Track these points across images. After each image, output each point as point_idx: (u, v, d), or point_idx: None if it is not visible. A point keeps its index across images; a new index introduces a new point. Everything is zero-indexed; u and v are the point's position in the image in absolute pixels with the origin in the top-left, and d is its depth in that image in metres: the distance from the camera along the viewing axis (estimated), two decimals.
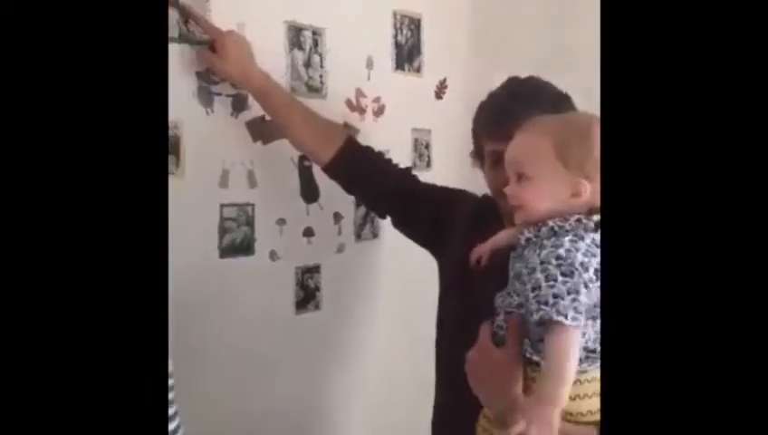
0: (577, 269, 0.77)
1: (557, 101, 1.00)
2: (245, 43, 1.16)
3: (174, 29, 1.11)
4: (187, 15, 1.12)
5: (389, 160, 1.24)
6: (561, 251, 0.79)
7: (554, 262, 0.78)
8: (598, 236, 0.80)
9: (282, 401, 1.32)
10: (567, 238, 0.80)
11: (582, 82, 1.14)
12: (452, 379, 0.93)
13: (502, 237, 0.96)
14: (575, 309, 0.75)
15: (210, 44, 1.13)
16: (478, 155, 1.09)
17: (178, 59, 1.13)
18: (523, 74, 1.08)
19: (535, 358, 0.83)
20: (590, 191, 0.82)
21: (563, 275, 0.77)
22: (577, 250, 0.78)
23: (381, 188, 1.20)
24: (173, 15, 1.11)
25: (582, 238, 0.80)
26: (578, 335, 0.76)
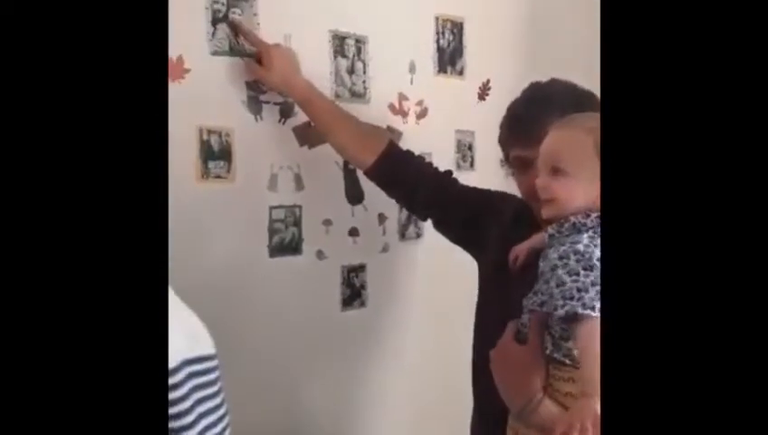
0: (596, 264, 0.78)
1: (581, 101, 0.99)
2: (290, 55, 1.22)
3: (224, 42, 1.19)
4: (236, 30, 1.19)
5: (429, 163, 1.27)
6: (580, 247, 0.79)
7: (573, 257, 0.79)
8: None
9: (328, 395, 1.38)
10: (586, 235, 0.81)
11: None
12: (489, 384, 0.94)
13: (539, 239, 0.96)
14: (599, 300, 0.76)
15: (257, 57, 1.20)
16: (507, 159, 1.10)
17: (229, 70, 1.19)
18: (565, 76, 1.08)
19: (556, 355, 0.84)
20: None
21: (584, 269, 0.78)
22: (596, 246, 0.79)
23: (420, 191, 1.22)
24: (223, 30, 1.18)
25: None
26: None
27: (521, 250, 0.98)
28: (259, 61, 1.20)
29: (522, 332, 0.89)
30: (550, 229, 0.86)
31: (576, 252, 0.79)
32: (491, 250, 1.11)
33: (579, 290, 0.77)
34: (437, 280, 1.52)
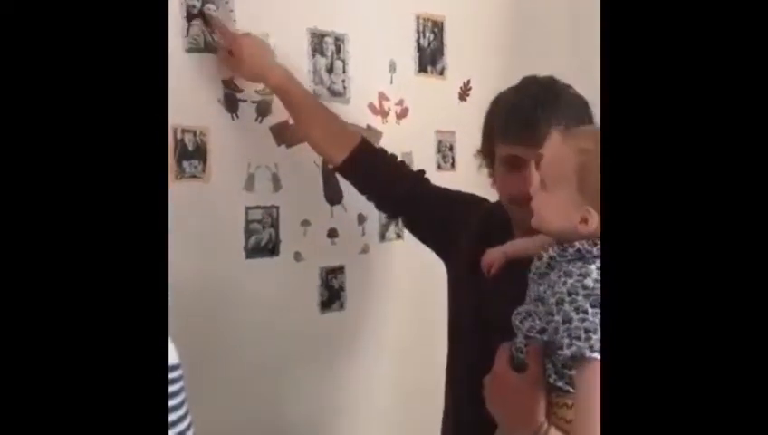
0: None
1: (579, 109, 0.98)
2: (261, 43, 1.19)
3: (200, 39, 1.16)
4: (208, 23, 1.16)
5: (402, 163, 1.25)
6: (589, 281, 0.76)
7: (582, 292, 0.76)
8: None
9: (306, 399, 1.36)
10: (594, 266, 0.78)
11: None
12: (464, 392, 0.92)
13: (517, 246, 0.94)
14: None
15: (228, 49, 1.17)
16: (488, 155, 1.06)
17: (204, 68, 1.17)
18: (550, 74, 1.05)
19: (559, 384, 0.81)
20: (598, 223, 0.78)
21: (593, 306, 0.75)
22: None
23: (392, 190, 1.20)
24: (198, 26, 1.16)
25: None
26: None
27: (495, 257, 0.96)
28: (230, 53, 1.17)
29: (518, 357, 0.86)
30: (551, 251, 0.83)
31: (585, 287, 0.76)
32: (460, 253, 1.09)
33: (587, 331, 0.74)
34: (417, 281, 1.51)
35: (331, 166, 1.25)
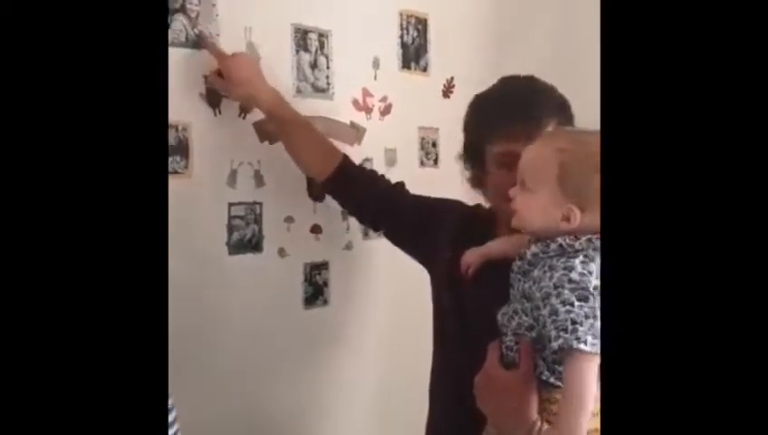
0: (592, 293, 0.77)
1: (561, 109, 0.99)
2: (252, 64, 1.19)
3: (181, 33, 1.15)
4: (201, 42, 1.15)
5: (382, 177, 1.26)
6: (575, 275, 0.78)
7: (567, 286, 0.78)
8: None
9: (291, 395, 1.36)
10: (578, 260, 0.79)
11: (584, 83, 1.12)
12: (450, 392, 0.92)
13: (497, 246, 0.95)
14: (593, 335, 0.75)
15: (218, 69, 1.16)
16: (475, 155, 1.05)
17: (186, 62, 1.16)
18: (533, 71, 1.05)
19: (552, 380, 0.82)
20: (580, 220, 0.81)
21: (579, 299, 0.76)
22: (590, 273, 0.78)
23: (369, 204, 1.22)
24: (180, 20, 1.15)
25: (593, 260, 0.79)
26: (597, 361, 0.76)
27: (472, 259, 0.96)
28: (220, 73, 1.16)
29: (508, 355, 0.87)
30: (534, 248, 0.84)
31: (571, 281, 0.78)
32: (441, 258, 1.09)
33: (573, 322, 0.76)
34: (401, 277, 1.50)
35: (317, 183, 1.26)
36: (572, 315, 0.76)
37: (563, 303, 0.77)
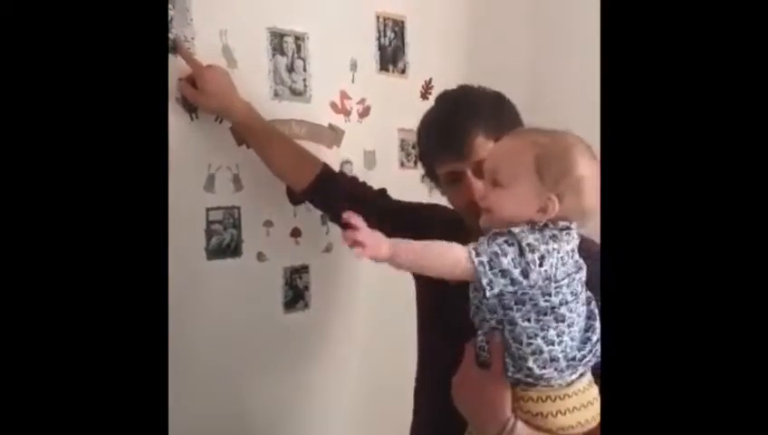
0: (519, 245, 0.78)
1: (496, 104, 1.00)
2: (225, 76, 1.19)
3: None
4: (176, 48, 1.15)
5: (363, 184, 1.26)
6: (515, 230, 0.80)
7: (503, 236, 0.80)
8: (561, 235, 0.81)
9: (271, 400, 1.35)
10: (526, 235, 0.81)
11: (561, 81, 1.12)
12: (433, 393, 0.92)
13: None
14: (490, 260, 0.77)
15: (190, 78, 1.16)
16: (431, 177, 1.07)
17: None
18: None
19: (518, 376, 0.82)
20: (558, 210, 0.82)
21: (505, 242, 0.79)
22: (530, 234, 0.80)
23: (355, 211, 1.20)
24: None
25: (541, 231, 0.81)
26: (470, 269, 0.78)
27: None
28: (193, 83, 1.16)
29: (481, 354, 0.87)
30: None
31: (509, 232, 0.79)
32: None
33: (483, 244, 0.79)
34: (382, 281, 1.50)
35: (297, 192, 1.26)
36: (488, 246, 0.78)
37: (489, 244, 0.79)
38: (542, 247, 0.79)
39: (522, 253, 0.78)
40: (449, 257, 0.79)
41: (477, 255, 0.78)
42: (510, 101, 1.02)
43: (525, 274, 0.77)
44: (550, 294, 0.79)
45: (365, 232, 0.77)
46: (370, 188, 1.26)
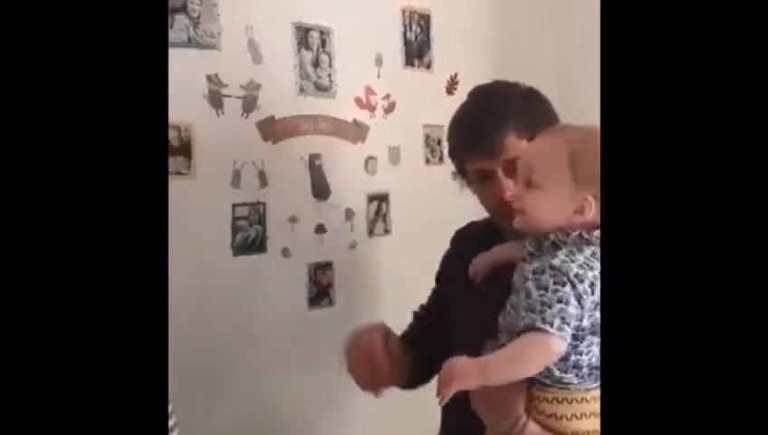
0: (570, 280, 0.75)
1: (528, 100, 0.97)
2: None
3: (183, 33, 1.14)
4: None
5: (417, 318, 1.18)
6: (556, 262, 0.76)
7: (548, 271, 0.76)
8: (598, 250, 0.78)
9: (295, 396, 1.35)
10: (564, 250, 0.78)
11: (588, 78, 1.09)
12: (457, 396, 0.91)
13: (504, 251, 0.93)
14: (562, 319, 0.74)
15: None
16: (462, 174, 1.04)
17: (188, 62, 1.15)
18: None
19: (538, 376, 0.80)
20: (595, 210, 0.78)
21: (555, 284, 0.75)
22: (573, 261, 0.76)
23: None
24: (182, 20, 1.14)
25: (581, 251, 0.78)
26: (560, 346, 0.74)
27: (481, 265, 0.95)
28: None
29: None
30: (528, 247, 0.82)
31: (552, 267, 0.76)
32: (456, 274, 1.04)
33: (543, 304, 0.75)
34: (406, 276, 1.50)
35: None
36: (544, 298, 0.75)
37: (538, 287, 0.76)
38: (590, 274, 0.76)
39: (573, 286, 0.75)
40: (536, 353, 0.76)
41: (552, 326, 0.74)
42: (544, 98, 0.99)
43: (582, 305, 0.75)
44: (593, 310, 0.77)
45: (450, 370, 0.76)
46: (418, 313, 1.18)
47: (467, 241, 1.09)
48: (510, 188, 0.89)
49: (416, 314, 1.17)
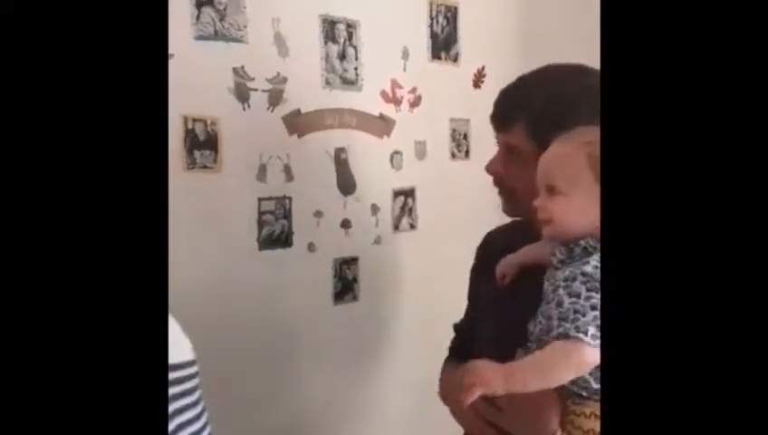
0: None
1: (577, 78, 0.89)
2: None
3: (209, 26, 1.14)
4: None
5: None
6: (588, 268, 0.75)
7: (580, 278, 0.74)
8: None
9: (320, 391, 1.34)
10: (596, 256, 0.75)
11: None
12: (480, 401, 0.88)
13: (529, 253, 0.90)
14: (597, 326, 0.71)
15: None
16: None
17: (215, 56, 1.15)
18: (562, 61, 1.00)
19: (573, 388, 0.77)
20: None
21: (588, 290, 0.73)
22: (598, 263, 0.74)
23: None
24: (208, 13, 1.13)
25: None
26: (594, 355, 0.72)
27: (508, 265, 0.92)
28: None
29: None
30: (558, 254, 0.80)
31: (584, 274, 0.74)
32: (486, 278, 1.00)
33: (575, 312, 0.72)
34: (431, 272, 1.48)
35: None
36: (576, 306, 0.72)
37: (570, 294, 0.74)
38: None
39: None
40: (567, 361, 0.73)
41: (587, 335, 0.71)
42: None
43: None
44: None
45: (472, 374, 0.74)
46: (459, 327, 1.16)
47: (491, 250, 1.04)
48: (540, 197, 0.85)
49: (456, 327, 1.15)
